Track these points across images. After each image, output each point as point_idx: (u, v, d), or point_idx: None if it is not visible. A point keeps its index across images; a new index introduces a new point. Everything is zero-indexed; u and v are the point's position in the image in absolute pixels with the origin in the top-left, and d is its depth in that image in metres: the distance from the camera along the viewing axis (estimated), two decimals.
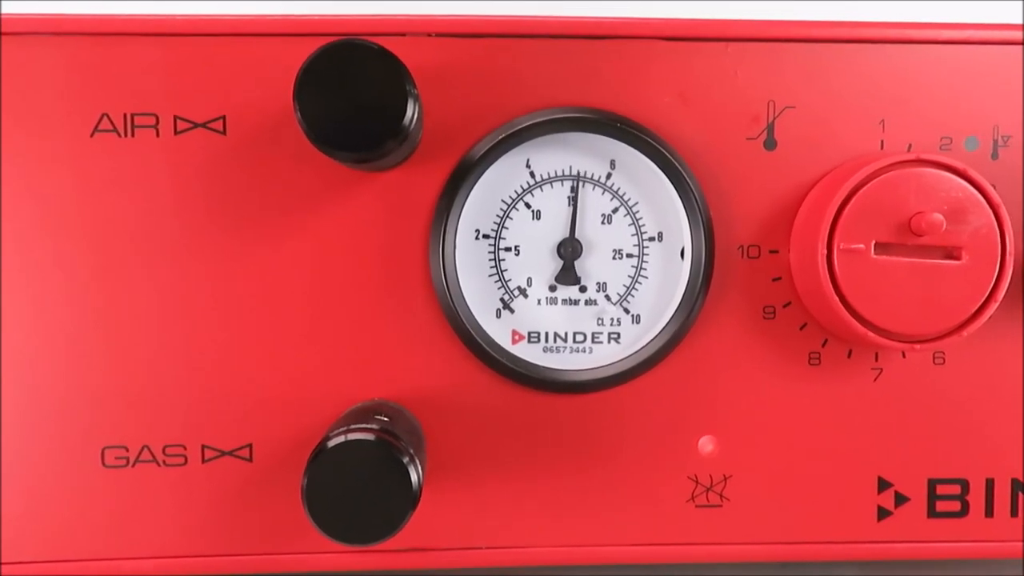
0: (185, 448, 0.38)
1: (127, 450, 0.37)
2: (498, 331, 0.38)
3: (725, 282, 0.38)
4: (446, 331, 0.38)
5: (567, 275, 0.38)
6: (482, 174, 0.37)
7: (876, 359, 0.39)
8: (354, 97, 0.31)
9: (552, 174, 0.38)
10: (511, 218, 0.38)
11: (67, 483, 0.37)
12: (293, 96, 0.31)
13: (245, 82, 0.36)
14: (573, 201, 0.38)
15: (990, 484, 0.39)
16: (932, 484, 0.39)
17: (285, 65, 0.36)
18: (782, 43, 0.38)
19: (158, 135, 0.37)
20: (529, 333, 0.38)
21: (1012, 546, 0.40)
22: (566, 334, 0.38)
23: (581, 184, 0.38)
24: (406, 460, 0.32)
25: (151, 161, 0.37)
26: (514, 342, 0.38)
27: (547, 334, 0.38)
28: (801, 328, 0.39)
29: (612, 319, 0.38)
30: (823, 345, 0.39)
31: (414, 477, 0.31)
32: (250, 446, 0.38)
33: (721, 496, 0.39)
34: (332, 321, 0.37)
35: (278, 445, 0.38)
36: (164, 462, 0.38)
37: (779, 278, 0.38)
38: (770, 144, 0.38)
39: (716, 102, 0.38)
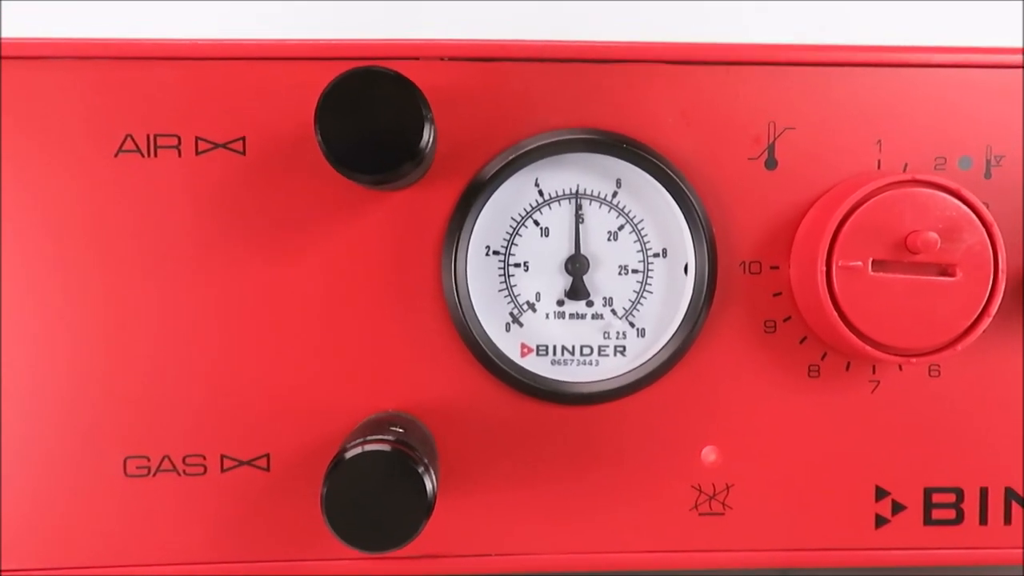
0: (204, 458, 0.39)
1: (148, 460, 0.39)
2: (508, 344, 0.39)
3: (727, 297, 0.39)
4: (457, 344, 0.39)
5: (577, 291, 0.39)
6: (492, 193, 0.39)
7: (873, 372, 0.40)
8: (372, 121, 0.32)
9: (560, 193, 0.39)
10: (520, 235, 0.39)
11: (90, 492, 0.38)
12: (314, 120, 0.33)
13: (264, 104, 0.38)
14: (575, 218, 0.39)
15: (984, 493, 0.41)
16: (928, 493, 0.41)
17: (302, 87, 0.37)
18: (782, 66, 0.39)
19: (180, 155, 0.38)
20: (538, 346, 0.40)
21: (1005, 553, 0.41)
22: (573, 347, 0.40)
23: (588, 202, 0.39)
24: (421, 470, 0.33)
25: (173, 180, 0.38)
26: (523, 355, 0.40)
27: (555, 347, 0.40)
28: (801, 341, 0.40)
29: (618, 333, 0.40)
30: (822, 358, 0.40)
31: (429, 486, 0.33)
32: (267, 456, 0.39)
33: (724, 504, 0.40)
34: (347, 334, 0.39)
35: (294, 455, 0.39)
36: (184, 472, 0.39)
37: (779, 293, 0.40)
38: (771, 164, 0.39)
39: (718, 123, 0.39)
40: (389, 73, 0.32)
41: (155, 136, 0.38)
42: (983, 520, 0.41)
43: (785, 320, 0.40)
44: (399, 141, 0.32)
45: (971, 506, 0.41)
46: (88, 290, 0.38)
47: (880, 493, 0.40)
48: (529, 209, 0.39)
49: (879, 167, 0.39)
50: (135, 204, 0.38)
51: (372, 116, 0.32)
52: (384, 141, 0.32)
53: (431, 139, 0.33)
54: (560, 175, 0.39)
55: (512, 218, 0.39)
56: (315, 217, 0.38)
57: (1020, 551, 0.41)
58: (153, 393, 0.38)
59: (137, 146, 0.38)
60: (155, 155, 0.38)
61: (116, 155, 0.38)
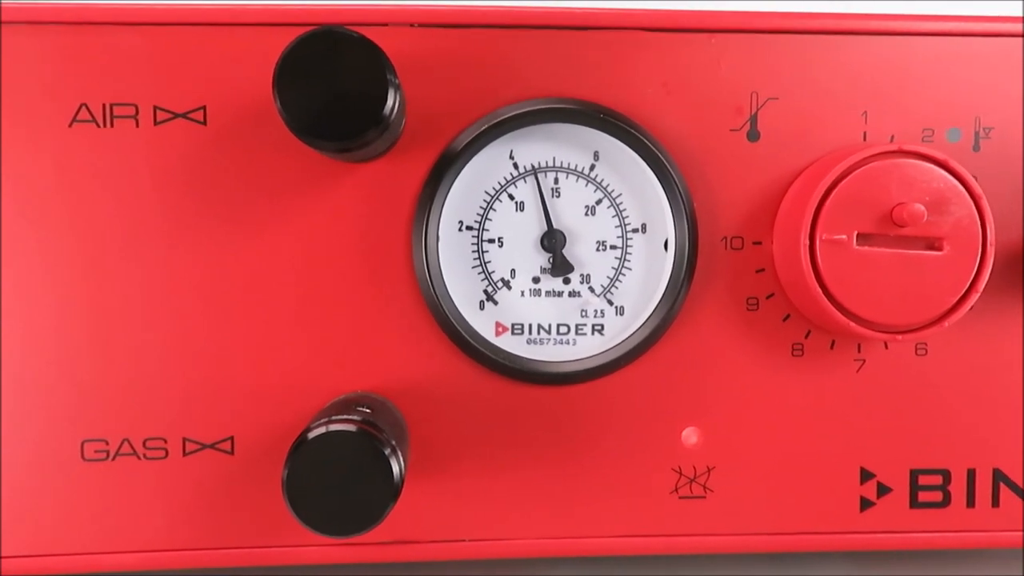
0: (166, 441, 0.37)
1: (107, 443, 0.37)
2: (481, 323, 0.38)
3: (709, 273, 0.38)
4: (429, 323, 0.38)
5: (560, 266, 0.37)
6: (465, 165, 0.37)
7: (859, 350, 0.39)
8: (334, 86, 0.31)
9: (536, 165, 0.38)
10: (494, 209, 0.38)
11: (46, 477, 0.37)
12: (273, 85, 0.31)
13: (225, 72, 0.36)
14: (540, 194, 0.37)
15: (971, 474, 0.40)
16: (914, 475, 0.40)
17: (265, 55, 0.36)
18: (766, 34, 0.38)
19: (138, 125, 0.36)
20: (513, 325, 0.38)
21: (994, 536, 0.40)
22: (550, 326, 0.38)
23: (565, 175, 0.38)
24: (387, 451, 0.31)
25: (131, 151, 0.36)
26: (497, 334, 0.38)
27: (531, 326, 0.38)
28: (784, 319, 0.39)
29: (596, 311, 0.38)
30: (806, 336, 0.39)
31: (395, 469, 0.31)
32: (231, 439, 0.37)
33: (705, 487, 0.39)
34: (315, 313, 0.37)
35: (260, 438, 0.37)
36: (144, 455, 0.37)
37: (762, 269, 0.38)
38: (753, 135, 0.38)
39: (700, 93, 0.38)
40: (351, 34, 0.31)
41: (111, 105, 0.36)
42: (971, 502, 0.40)
43: (768, 297, 0.39)
44: (362, 106, 0.31)
45: (958, 488, 0.40)
46: (38, 267, 0.36)
47: (865, 475, 0.39)
48: (503, 182, 0.38)
49: (865, 139, 0.38)
50: (92, 176, 0.36)
51: (333, 80, 0.31)
52: (347, 106, 0.31)
53: (396, 105, 0.32)
54: (535, 147, 0.38)
55: (486, 192, 0.38)
56: (281, 191, 0.37)
57: (1009, 534, 0.40)
58: (111, 373, 0.37)
59: (92, 115, 0.36)
60: (111, 125, 0.36)
61: (70, 125, 0.36)
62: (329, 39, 0.30)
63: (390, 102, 0.31)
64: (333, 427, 0.31)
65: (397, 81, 0.32)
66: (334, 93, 0.31)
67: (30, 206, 0.36)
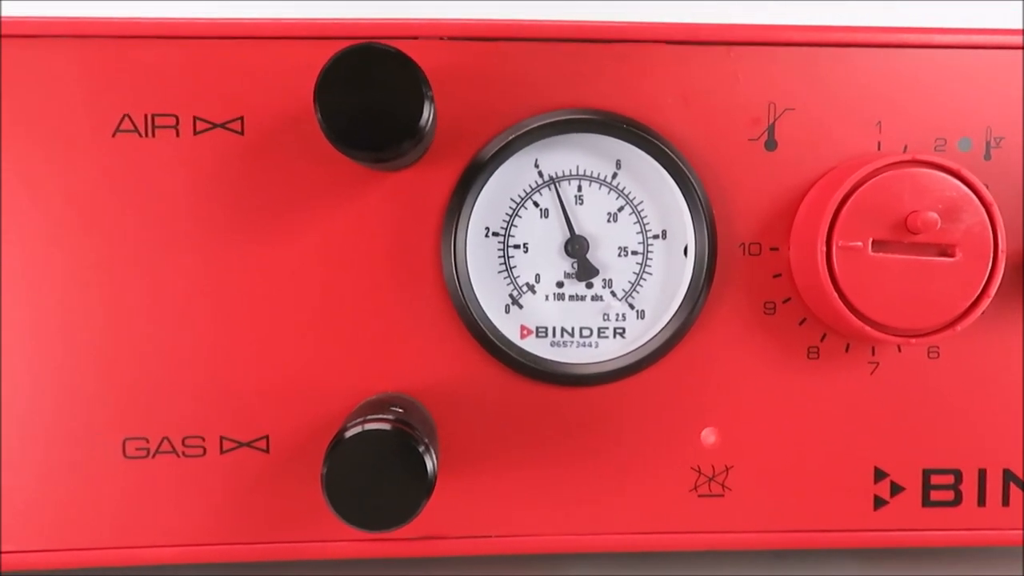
0: (204, 440, 0.39)
1: (148, 441, 0.38)
2: (507, 326, 0.39)
3: (727, 278, 0.39)
4: (457, 326, 0.39)
5: (585, 271, 0.39)
6: (492, 173, 0.38)
7: (873, 353, 0.40)
8: (372, 99, 0.32)
9: (560, 174, 0.39)
10: (520, 216, 0.39)
11: (89, 473, 0.38)
12: (313, 97, 0.32)
13: (262, 84, 0.37)
14: (560, 202, 0.39)
15: (982, 474, 0.41)
16: (927, 474, 0.41)
17: (301, 67, 0.37)
18: (782, 47, 0.39)
19: (178, 135, 0.38)
20: (537, 328, 0.40)
21: (1003, 534, 0.41)
22: (573, 329, 0.40)
23: (588, 183, 0.39)
24: (422, 449, 0.33)
25: (171, 160, 0.38)
26: (522, 337, 0.40)
27: (554, 329, 0.40)
28: (800, 323, 0.40)
29: (617, 314, 0.40)
30: (822, 340, 0.40)
31: (430, 465, 0.33)
32: (267, 437, 0.39)
33: (723, 486, 0.40)
34: (347, 316, 0.39)
35: (294, 437, 0.39)
36: (183, 453, 0.39)
37: (779, 275, 0.40)
38: (771, 145, 0.39)
39: (718, 104, 0.39)
40: (389, 50, 0.32)
41: (153, 116, 0.37)
42: (981, 502, 0.41)
43: (785, 302, 0.40)
44: (399, 118, 0.32)
45: (969, 487, 0.41)
46: (86, 271, 0.38)
47: (879, 474, 0.41)
48: (528, 190, 0.39)
49: (879, 148, 0.39)
50: (133, 184, 0.38)
51: (372, 93, 0.32)
52: (384, 118, 0.32)
53: (431, 117, 0.33)
54: (560, 156, 0.39)
55: (511, 199, 0.39)
56: (314, 198, 0.38)
57: (1018, 532, 0.41)
58: (152, 374, 0.38)
59: (135, 126, 0.37)
60: (153, 135, 0.38)
61: (114, 135, 0.37)
62: (368, 54, 0.32)
63: (425, 115, 0.32)
64: (369, 426, 0.33)
65: (431, 94, 0.33)
66: (372, 106, 0.32)
67: (75, 212, 0.38)
